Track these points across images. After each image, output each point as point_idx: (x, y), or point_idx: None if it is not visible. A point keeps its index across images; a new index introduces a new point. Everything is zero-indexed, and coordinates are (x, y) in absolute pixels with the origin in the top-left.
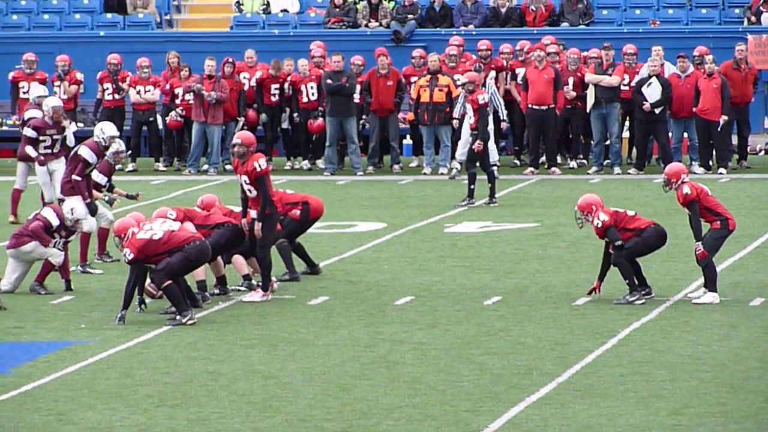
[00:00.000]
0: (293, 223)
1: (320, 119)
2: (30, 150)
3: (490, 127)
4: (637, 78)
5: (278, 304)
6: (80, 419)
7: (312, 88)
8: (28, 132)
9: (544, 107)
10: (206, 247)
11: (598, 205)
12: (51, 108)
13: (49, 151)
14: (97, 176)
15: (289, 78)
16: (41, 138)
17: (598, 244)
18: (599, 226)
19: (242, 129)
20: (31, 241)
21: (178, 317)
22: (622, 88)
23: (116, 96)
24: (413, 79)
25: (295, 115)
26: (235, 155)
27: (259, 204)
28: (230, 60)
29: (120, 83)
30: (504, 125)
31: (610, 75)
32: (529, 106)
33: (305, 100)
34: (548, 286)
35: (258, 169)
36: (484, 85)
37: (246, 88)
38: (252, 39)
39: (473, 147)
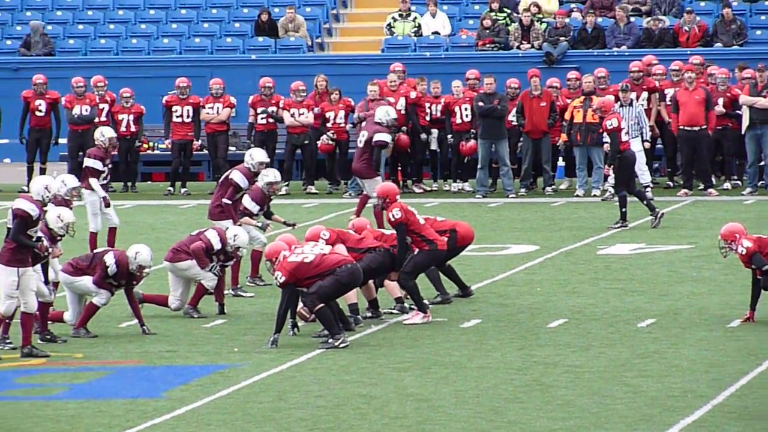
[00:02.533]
0: (439, 252)
1: (472, 141)
2: (96, 186)
3: (639, 148)
4: None
5: (431, 327)
6: None
7: (465, 109)
8: (92, 163)
9: (696, 128)
10: (358, 271)
11: (741, 233)
12: (107, 138)
13: (106, 181)
14: (249, 203)
15: (442, 100)
16: (101, 169)
17: None
18: (743, 253)
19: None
20: (188, 260)
21: (330, 340)
22: None
23: (269, 120)
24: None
25: (449, 136)
26: (377, 209)
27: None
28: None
29: (271, 107)
30: (646, 145)
31: (765, 96)
32: (680, 127)
33: (458, 121)
34: (702, 309)
35: (392, 219)
36: (630, 104)
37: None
38: (403, 61)
39: (604, 171)
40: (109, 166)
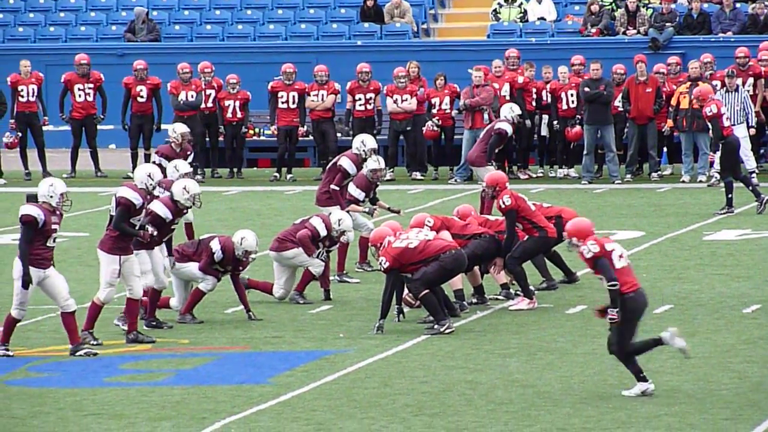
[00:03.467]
0: (549, 239)
1: (578, 127)
2: None
3: (744, 134)
4: None
5: (536, 313)
6: (339, 429)
7: (571, 95)
8: (158, 160)
9: None
10: (462, 257)
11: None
12: (180, 134)
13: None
14: (354, 190)
15: (548, 85)
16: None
17: None
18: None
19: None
20: (294, 248)
21: (435, 326)
22: None
23: (368, 107)
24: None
25: (555, 122)
26: (486, 197)
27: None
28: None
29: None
30: (752, 131)
31: None
32: None
33: (564, 107)
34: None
35: (503, 206)
36: (736, 90)
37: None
38: (509, 47)
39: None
40: (189, 160)
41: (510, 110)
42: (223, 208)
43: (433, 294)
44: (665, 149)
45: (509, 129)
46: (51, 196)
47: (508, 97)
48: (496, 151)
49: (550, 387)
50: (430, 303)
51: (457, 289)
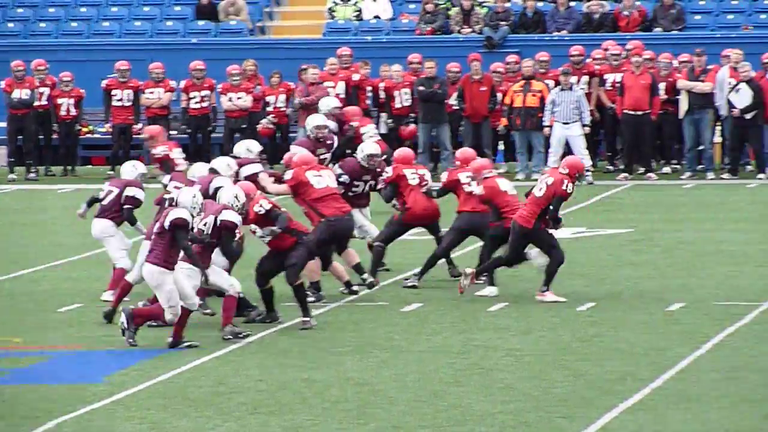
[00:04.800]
0: (393, 225)
1: (412, 125)
2: None
3: (579, 132)
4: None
5: (371, 311)
6: (173, 428)
7: (405, 94)
8: None
9: (639, 113)
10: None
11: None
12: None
13: None
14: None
15: (382, 84)
16: None
17: (693, 249)
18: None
19: None
20: None
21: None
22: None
23: (203, 104)
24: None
25: (389, 120)
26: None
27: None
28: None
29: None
30: (586, 130)
31: (703, 81)
32: (625, 111)
33: (398, 105)
34: (642, 292)
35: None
36: (571, 89)
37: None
38: (344, 45)
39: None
40: None
41: (326, 105)
42: (58, 206)
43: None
44: (500, 147)
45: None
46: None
47: (343, 95)
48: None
49: (385, 385)
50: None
51: (314, 282)
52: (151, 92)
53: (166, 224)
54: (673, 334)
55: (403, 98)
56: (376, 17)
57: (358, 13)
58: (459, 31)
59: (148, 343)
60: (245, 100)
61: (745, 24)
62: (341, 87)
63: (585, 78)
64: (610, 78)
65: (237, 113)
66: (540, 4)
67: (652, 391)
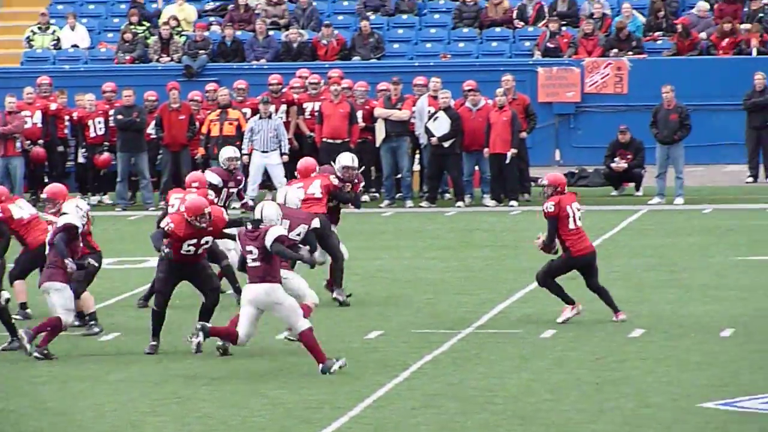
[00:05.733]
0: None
1: (106, 154)
2: None
3: (278, 161)
4: (415, 109)
5: (70, 341)
6: None
7: (99, 123)
8: None
9: (338, 141)
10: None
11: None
12: None
13: None
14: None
15: (75, 114)
16: None
17: (391, 277)
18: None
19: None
20: None
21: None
22: (412, 120)
23: None
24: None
25: (83, 150)
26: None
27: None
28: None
29: None
30: (285, 158)
31: (400, 108)
32: (324, 139)
33: (92, 134)
34: (341, 321)
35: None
36: (269, 117)
37: (29, 125)
38: (43, 74)
39: None
40: None
41: None
42: None
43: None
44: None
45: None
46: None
47: (40, 125)
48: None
49: (83, 414)
50: None
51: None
52: None
53: (268, 244)
54: (372, 362)
55: (97, 127)
56: (75, 46)
57: (56, 42)
58: (158, 60)
59: None
60: None
61: (444, 53)
62: (38, 116)
63: (284, 107)
64: (309, 106)
65: None
66: (239, 32)
67: (350, 419)
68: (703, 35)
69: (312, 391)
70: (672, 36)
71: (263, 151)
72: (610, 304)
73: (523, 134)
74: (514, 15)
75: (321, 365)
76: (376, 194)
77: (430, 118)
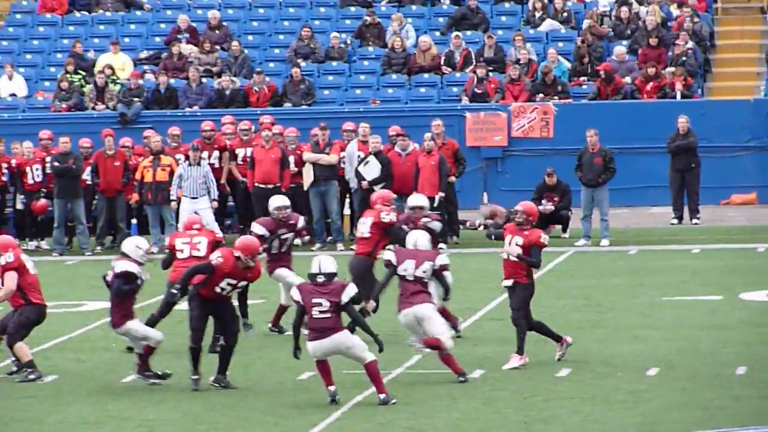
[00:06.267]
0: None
1: (42, 200)
2: None
3: (207, 206)
4: (344, 154)
5: (7, 384)
6: None
7: (37, 170)
8: None
9: (270, 186)
10: None
11: None
12: None
13: None
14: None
15: (13, 161)
16: None
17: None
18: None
19: None
20: None
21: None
22: (341, 165)
23: None
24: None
25: (21, 197)
26: None
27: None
28: None
29: None
30: (214, 204)
31: (328, 153)
32: (256, 184)
33: (30, 181)
34: (274, 361)
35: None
36: (199, 163)
37: None
38: None
39: None
40: None
41: None
42: None
43: None
44: (134, 221)
45: None
46: None
47: None
48: None
49: None
50: None
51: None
52: None
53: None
54: (304, 402)
55: (34, 174)
56: (12, 95)
57: None
58: (94, 108)
59: None
60: None
61: (373, 98)
62: None
63: (216, 153)
64: (241, 152)
65: None
66: (173, 80)
67: None
68: (627, 80)
69: (245, 431)
70: (596, 80)
71: (192, 197)
72: (549, 334)
73: (452, 178)
74: (442, 61)
75: (381, 395)
76: (308, 237)
77: (360, 163)
